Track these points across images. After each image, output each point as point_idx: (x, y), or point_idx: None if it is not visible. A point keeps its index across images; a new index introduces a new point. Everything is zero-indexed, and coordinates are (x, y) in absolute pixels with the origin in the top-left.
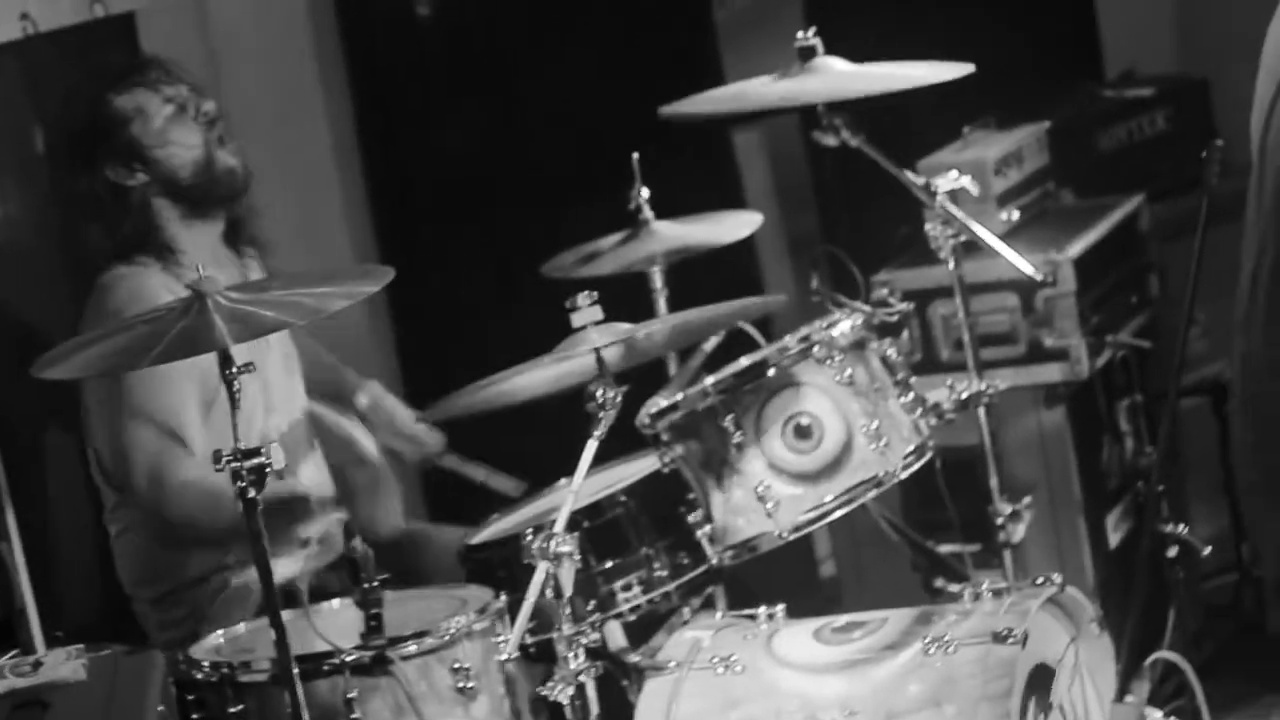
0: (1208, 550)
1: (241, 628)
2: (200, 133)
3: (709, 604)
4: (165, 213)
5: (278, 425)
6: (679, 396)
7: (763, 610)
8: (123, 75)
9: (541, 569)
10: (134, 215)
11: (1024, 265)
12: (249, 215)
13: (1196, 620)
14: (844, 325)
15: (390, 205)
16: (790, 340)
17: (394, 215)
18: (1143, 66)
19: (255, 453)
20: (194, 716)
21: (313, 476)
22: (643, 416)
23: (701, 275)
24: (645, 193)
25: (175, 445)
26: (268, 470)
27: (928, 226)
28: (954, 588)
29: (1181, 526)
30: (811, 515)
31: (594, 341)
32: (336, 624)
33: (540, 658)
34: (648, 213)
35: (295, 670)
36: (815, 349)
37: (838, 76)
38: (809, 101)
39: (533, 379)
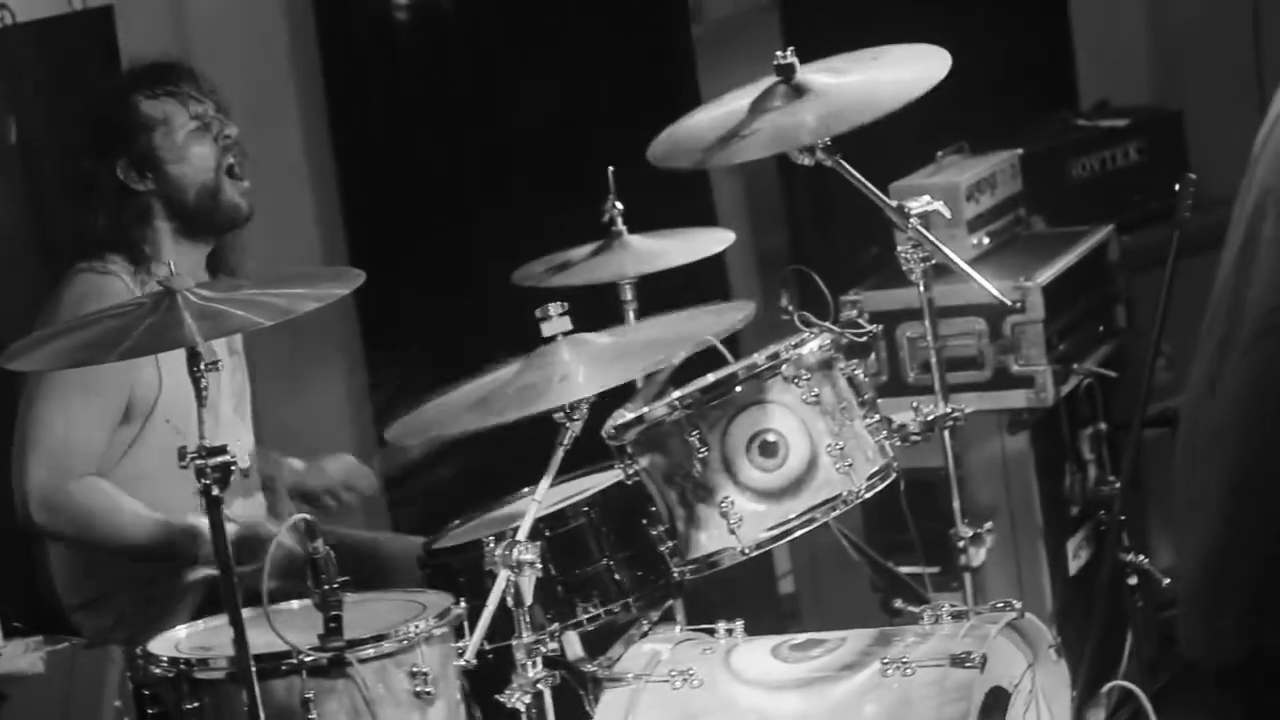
0: (1167, 581)
1: (201, 625)
2: (215, 155)
3: (668, 617)
4: (161, 224)
5: None
6: (645, 409)
7: (722, 625)
8: (156, 79)
9: (502, 576)
10: (129, 216)
11: (993, 291)
12: (232, 246)
13: (1153, 649)
14: (812, 345)
15: (362, 206)
16: (758, 358)
17: (365, 216)
18: (1118, 98)
19: (220, 450)
20: (150, 712)
21: (248, 511)
22: (608, 428)
23: (671, 289)
24: (618, 205)
25: (62, 470)
26: (232, 469)
27: (899, 249)
28: (913, 609)
29: (1141, 556)
30: (774, 532)
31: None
32: (295, 624)
33: (498, 665)
34: (620, 225)
35: (253, 669)
36: (783, 367)
37: (825, 105)
38: (802, 144)
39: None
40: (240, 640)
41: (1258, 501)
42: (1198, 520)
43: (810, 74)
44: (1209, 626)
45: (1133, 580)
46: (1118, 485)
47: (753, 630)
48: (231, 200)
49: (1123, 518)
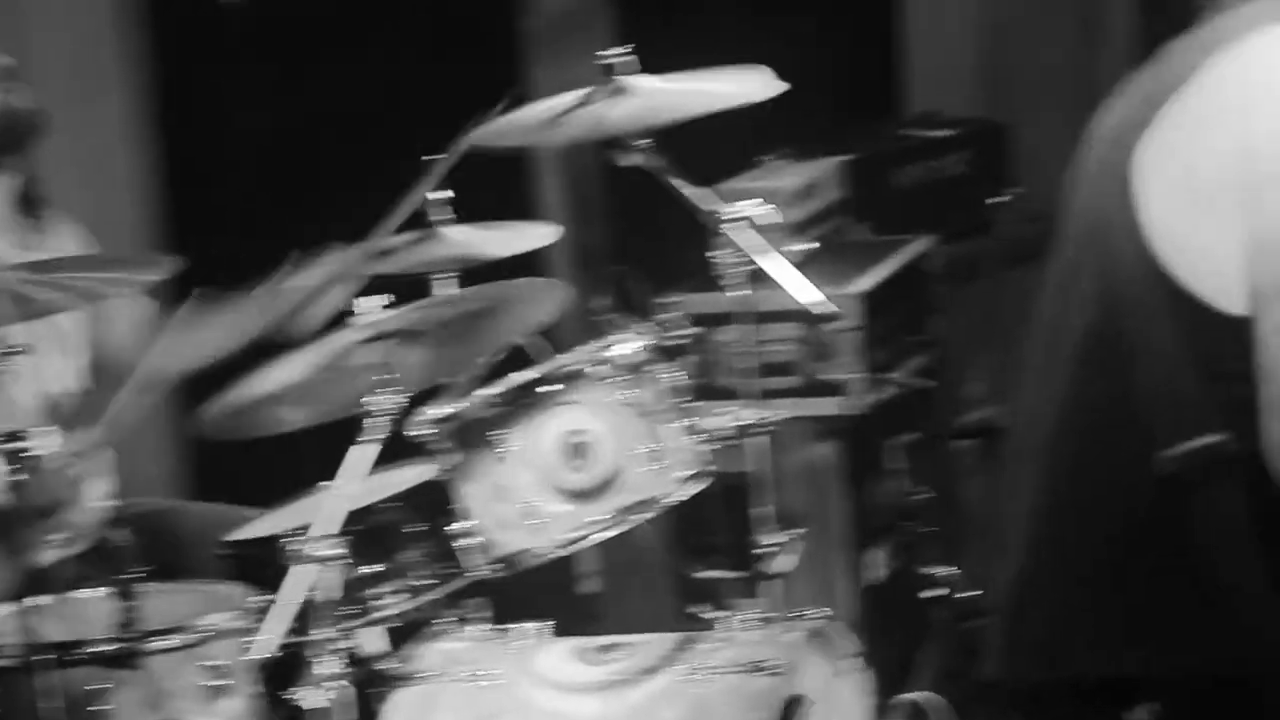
0: (971, 593)
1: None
2: None
3: (470, 616)
4: None
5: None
6: (454, 406)
7: (524, 625)
8: None
9: (301, 570)
10: None
11: (810, 297)
12: (38, 178)
13: (955, 660)
14: (627, 346)
15: (184, 190)
16: (572, 357)
17: (187, 201)
18: (946, 109)
19: (19, 435)
20: None
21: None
22: (416, 424)
23: (487, 281)
24: (439, 196)
25: None
26: (29, 454)
27: (716, 253)
28: (717, 615)
29: (946, 568)
30: (580, 533)
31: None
32: (91, 614)
33: (295, 660)
34: (440, 216)
35: (43, 658)
36: (597, 368)
37: (647, 101)
38: (619, 131)
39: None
40: (30, 628)
41: (1063, 527)
42: (1009, 542)
43: (640, 78)
44: (1008, 648)
45: (935, 592)
46: (925, 496)
47: (555, 631)
48: (15, 106)
49: (928, 529)
